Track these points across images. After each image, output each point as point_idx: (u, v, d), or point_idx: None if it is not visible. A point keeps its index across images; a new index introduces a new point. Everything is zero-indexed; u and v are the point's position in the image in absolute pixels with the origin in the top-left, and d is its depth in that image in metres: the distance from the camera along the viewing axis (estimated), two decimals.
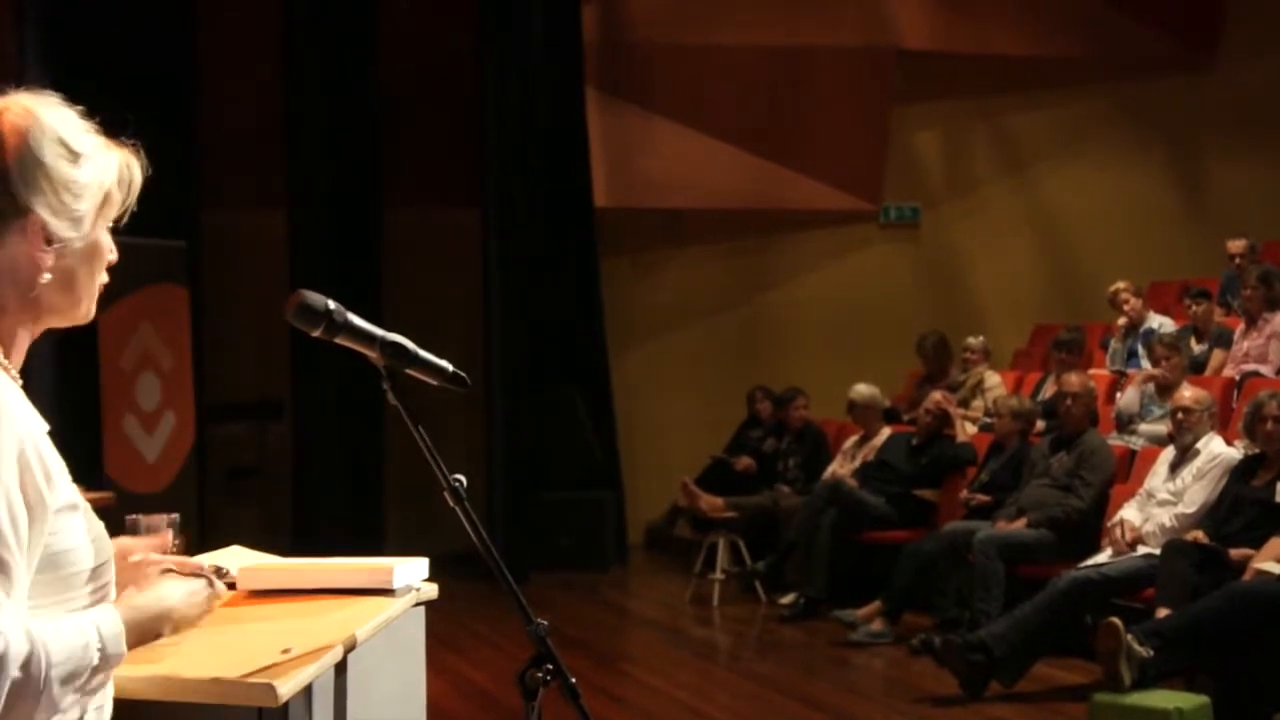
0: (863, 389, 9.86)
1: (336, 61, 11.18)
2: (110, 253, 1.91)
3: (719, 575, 9.59)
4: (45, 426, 1.83)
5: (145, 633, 1.92)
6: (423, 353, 2.17)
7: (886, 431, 9.84)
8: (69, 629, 1.77)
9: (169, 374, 9.83)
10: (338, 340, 2.11)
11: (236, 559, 2.56)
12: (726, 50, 12.28)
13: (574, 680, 2.17)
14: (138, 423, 9.44)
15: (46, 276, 1.82)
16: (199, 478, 10.25)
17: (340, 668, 2.21)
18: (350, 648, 2.20)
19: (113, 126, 1.93)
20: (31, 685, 1.69)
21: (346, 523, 10.40)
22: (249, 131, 11.33)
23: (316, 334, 2.08)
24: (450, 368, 2.22)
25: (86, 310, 1.90)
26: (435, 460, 2.17)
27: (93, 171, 1.84)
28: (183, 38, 10.91)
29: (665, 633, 9.07)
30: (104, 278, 1.91)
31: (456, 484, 2.19)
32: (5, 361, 1.81)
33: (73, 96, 1.92)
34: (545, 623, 2.18)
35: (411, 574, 2.51)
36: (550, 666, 2.19)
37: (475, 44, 11.54)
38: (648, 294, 12.53)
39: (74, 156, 1.82)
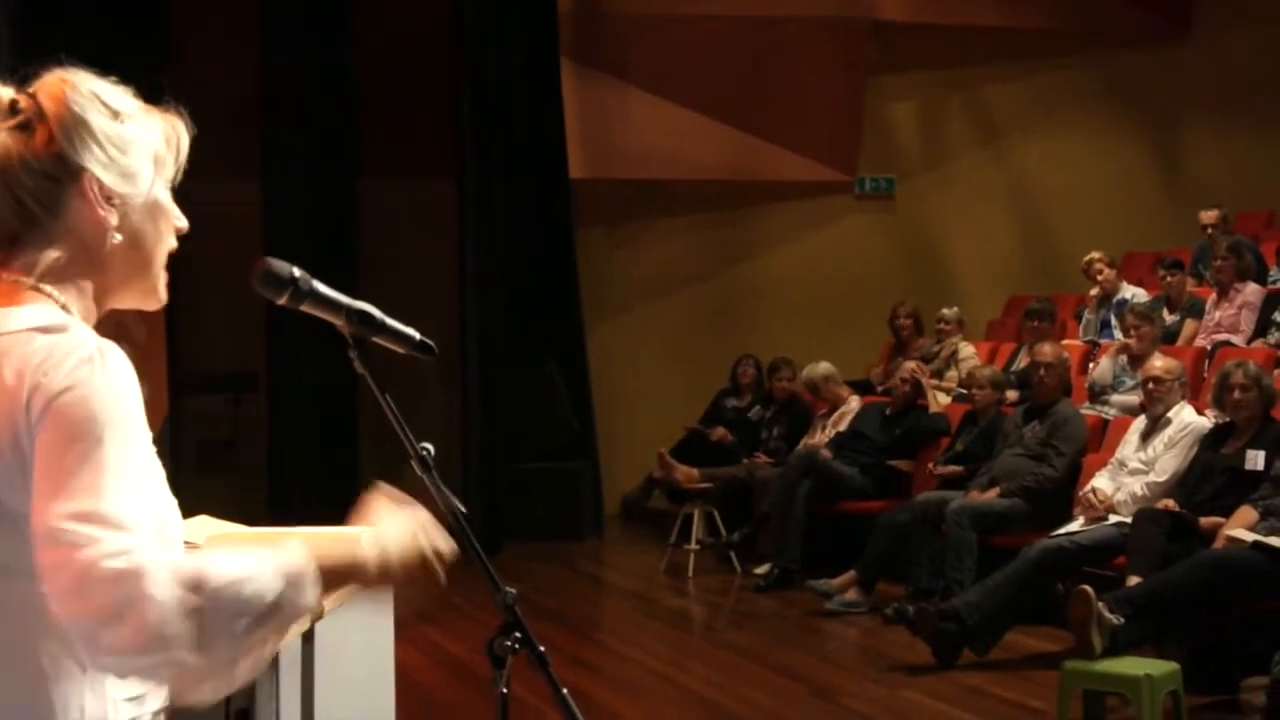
0: (817, 368, 9.94)
1: (311, 31, 11.12)
2: (178, 219, 1.93)
3: (694, 546, 9.62)
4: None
5: (359, 573, 1.85)
6: (390, 321, 2.16)
7: (856, 399, 9.89)
8: (239, 557, 1.70)
9: (141, 345, 9.79)
10: (303, 308, 2.10)
11: (203, 528, 2.56)
12: (702, 21, 12.24)
13: (543, 649, 2.17)
14: None
15: (116, 236, 1.83)
16: (173, 450, 10.23)
17: (308, 637, 2.21)
18: (318, 617, 2.20)
19: (149, 94, 1.95)
20: (182, 605, 1.61)
21: (322, 493, 10.38)
22: (223, 102, 11.23)
23: (282, 301, 2.07)
24: (418, 336, 2.21)
25: (157, 275, 1.91)
26: (402, 429, 2.17)
27: (137, 129, 1.86)
28: (156, 9, 10.83)
29: (640, 603, 9.09)
30: (173, 242, 1.93)
31: (424, 453, 2.18)
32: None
33: (40, 68, 1.90)
34: (513, 591, 2.18)
35: None
36: (519, 635, 2.19)
37: (451, 15, 11.48)
38: (624, 265, 12.52)
39: (115, 113, 1.84)
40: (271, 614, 1.70)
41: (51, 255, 1.81)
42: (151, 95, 1.95)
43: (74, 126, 1.80)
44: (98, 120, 1.82)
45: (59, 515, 1.61)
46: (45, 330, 1.73)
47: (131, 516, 1.64)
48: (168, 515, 1.80)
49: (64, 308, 1.81)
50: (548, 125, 11.71)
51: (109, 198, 1.82)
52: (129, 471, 1.68)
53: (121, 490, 1.65)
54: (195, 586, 1.63)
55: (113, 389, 1.70)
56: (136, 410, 1.75)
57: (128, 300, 1.93)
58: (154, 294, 1.94)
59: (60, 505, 1.62)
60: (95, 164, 1.81)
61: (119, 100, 1.86)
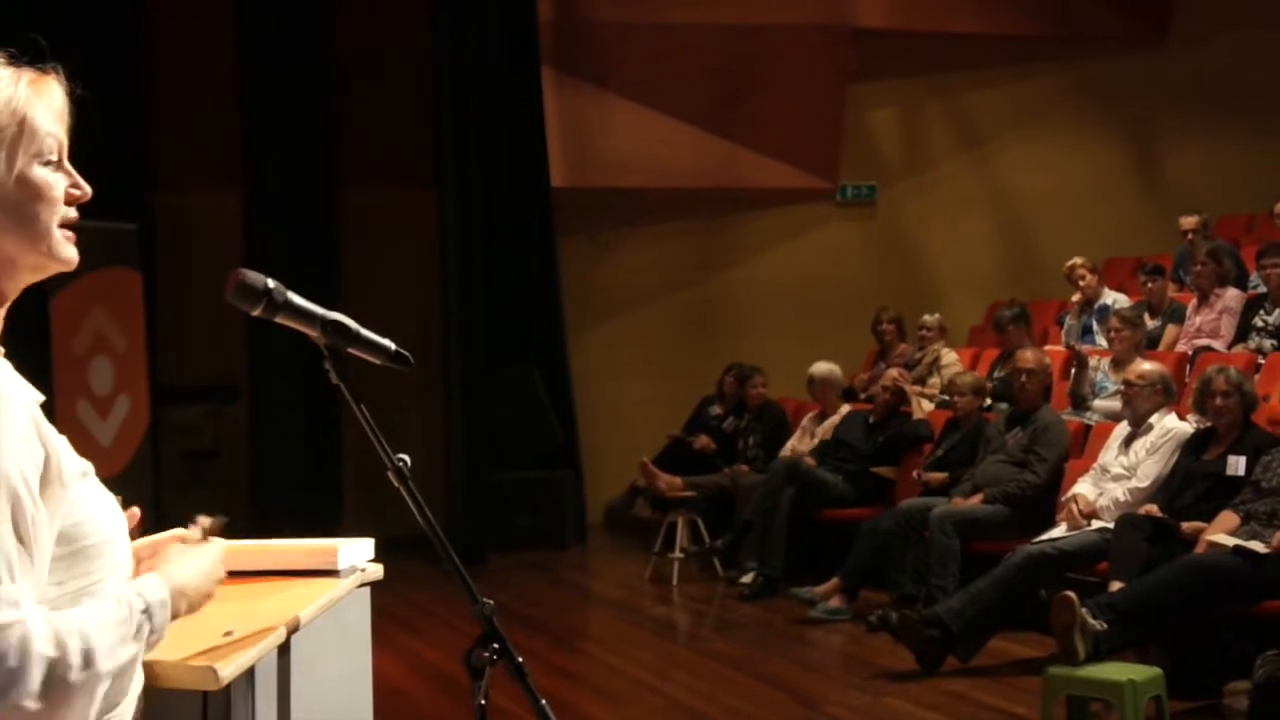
0: (822, 366, 9.92)
1: (291, 41, 11.09)
2: (75, 187, 1.82)
3: (678, 554, 9.60)
4: (40, 396, 1.78)
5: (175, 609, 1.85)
6: (365, 331, 2.15)
7: (845, 409, 9.89)
8: (102, 603, 1.71)
9: (122, 357, 9.75)
10: (278, 319, 2.09)
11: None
12: (683, 29, 12.25)
13: (521, 659, 2.16)
14: (91, 407, 9.36)
15: None
16: (154, 461, 10.18)
17: (284, 649, 2.20)
18: (293, 629, 2.19)
19: (28, 55, 1.84)
20: (71, 674, 1.62)
21: (303, 505, 10.36)
22: (203, 113, 11.23)
23: (256, 313, 2.06)
24: (393, 346, 2.20)
25: (49, 250, 1.79)
26: (379, 440, 2.16)
27: None
28: (135, 17, 10.80)
29: (624, 612, 9.08)
30: (70, 213, 1.81)
31: (400, 464, 2.18)
32: None
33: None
34: (490, 602, 2.17)
35: (357, 555, 2.50)
36: (497, 646, 2.18)
37: (431, 23, 11.46)
38: (605, 273, 12.51)
39: None
40: (136, 646, 1.73)
41: None
42: (29, 55, 1.84)
43: None
44: None
45: None
46: None
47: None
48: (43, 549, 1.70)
49: None
50: (529, 134, 11.70)
51: None
52: None
53: None
54: (67, 652, 1.62)
55: None
56: (13, 420, 1.66)
57: (32, 276, 1.83)
58: (53, 264, 1.82)
59: None
60: None
61: None
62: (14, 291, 1.82)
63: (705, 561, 9.64)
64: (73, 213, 1.83)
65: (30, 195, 1.78)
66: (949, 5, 12.84)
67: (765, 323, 12.52)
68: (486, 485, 10.89)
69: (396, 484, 2.16)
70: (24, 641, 1.59)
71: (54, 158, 1.81)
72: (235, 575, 2.43)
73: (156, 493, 10.01)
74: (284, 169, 11.03)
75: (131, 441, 9.70)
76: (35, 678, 1.59)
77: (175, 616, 1.84)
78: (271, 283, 2.06)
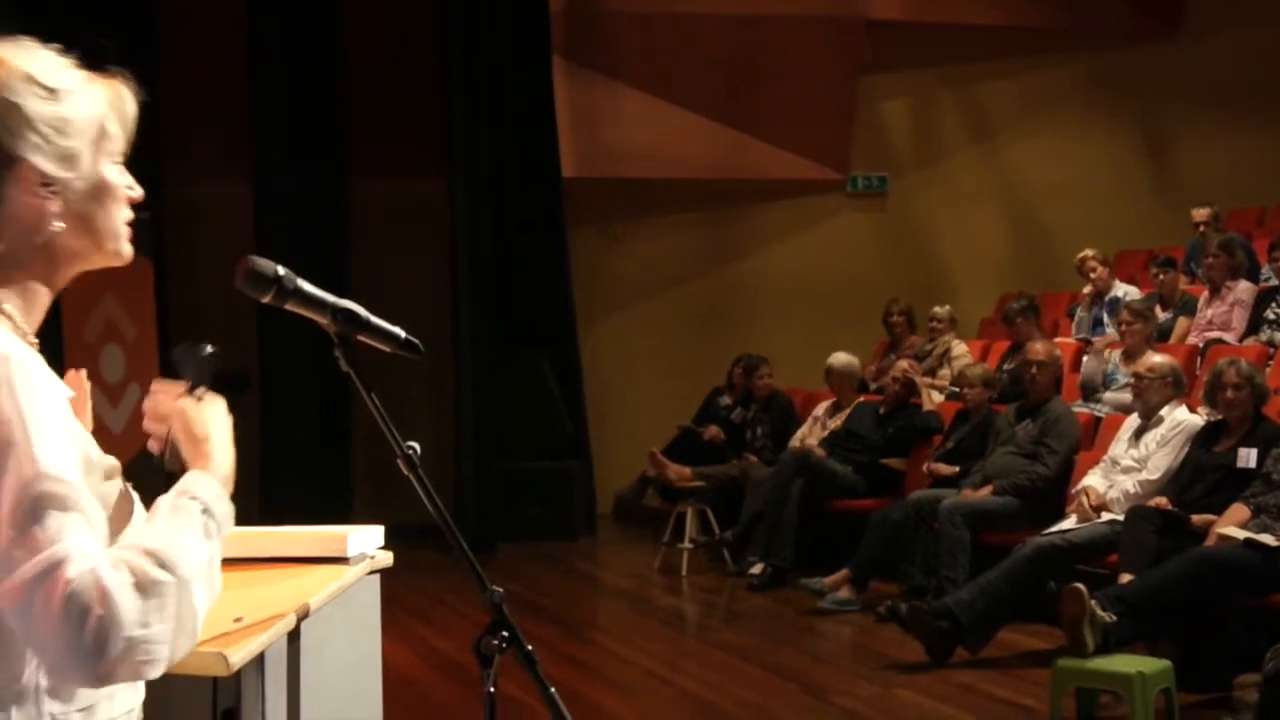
0: (841, 357, 9.89)
1: (302, 31, 11.10)
2: (130, 189, 1.87)
3: (687, 544, 9.61)
4: (69, 392, 1.80)
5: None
6: (375, 319, 2.15)
7: (861, 400, 9.88)
8: (164, 519, 1.73)
9: (133, 345, 9.78)
10: (288, 307, 2.09)
11: None
12: (694, 19, 12.24)
13: (530, 648, 2.16)
14: (102, 394, 9.39)
15: (57, 224, 1.78)
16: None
17: (294, 636, 2.21)
18: (303, 616, 2.20)
19: (94, 59, 1.88)
20: (159, 588, 1.63)
21: (314, 493, 10.36)
22: (214, 102, 11.24)
23: (266, 300, 2.06)
24: (403, 334, 2.19)
25: (115, 249, 1.86)
26: (389, 428, 2.16)
27: (77, 106, 1.79)
28: (147, 6, 10.81)
29: (634, 602, 9.09)
30: (128, 214, 1.87)
31: (410, 451, 2.17)
32: (24, 326, 1.77)
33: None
34: (500, 590, 2.16)
35: (366, 542, 2.50)
36: (506, 634, 2.18)
37: (442, 13, 11.46)
38: (616, 264, 12.51)
39: (51, 93, 1.77)
40: (209, 542, 1.74)
41: None
42: (96, 59, 1.88)
43: (6, 114, 1.74)
44: (32, 104, 1.75)
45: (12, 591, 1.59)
46: None
47: (64, 539, 1.61)
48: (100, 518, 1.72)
49: None
50: (539, 124, 11.70)
51: (48, 183, 1.77)
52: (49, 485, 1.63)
53: (44, 517, 1.61)
54: (138, 569, 1.63)
55: (14, 394, 1.65)
56: (42, 407, 1.67)
57: (88, 268, 1.88)
58: (114, 259, 1.88)
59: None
60: (31, 151, 1.75)
61: (57, 77, 1.79)
62: (65, 282, 1.87)
63: (714, 552, 9.65)
64: (129, 213, 1.88)
65: (105, 193, 1.83)
66: None
67: (775, 314, 12.51)
68: (496, 475, 10.90)
69: (406, 472, 2.16)
70: (99, 583, 1.60)
71: (119, 160, 1.86)
72: (245, 562, 2.44)
73: (168, 480, 10.02)
74: (294, 158, 11.04)
75: (142, 429, 9.72)
76: (128, 609, 1.60)
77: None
78: (281, 270, 2.06)
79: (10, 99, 1.74)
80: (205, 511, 1.77)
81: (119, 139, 1.85)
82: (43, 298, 1.83)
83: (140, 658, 1.61)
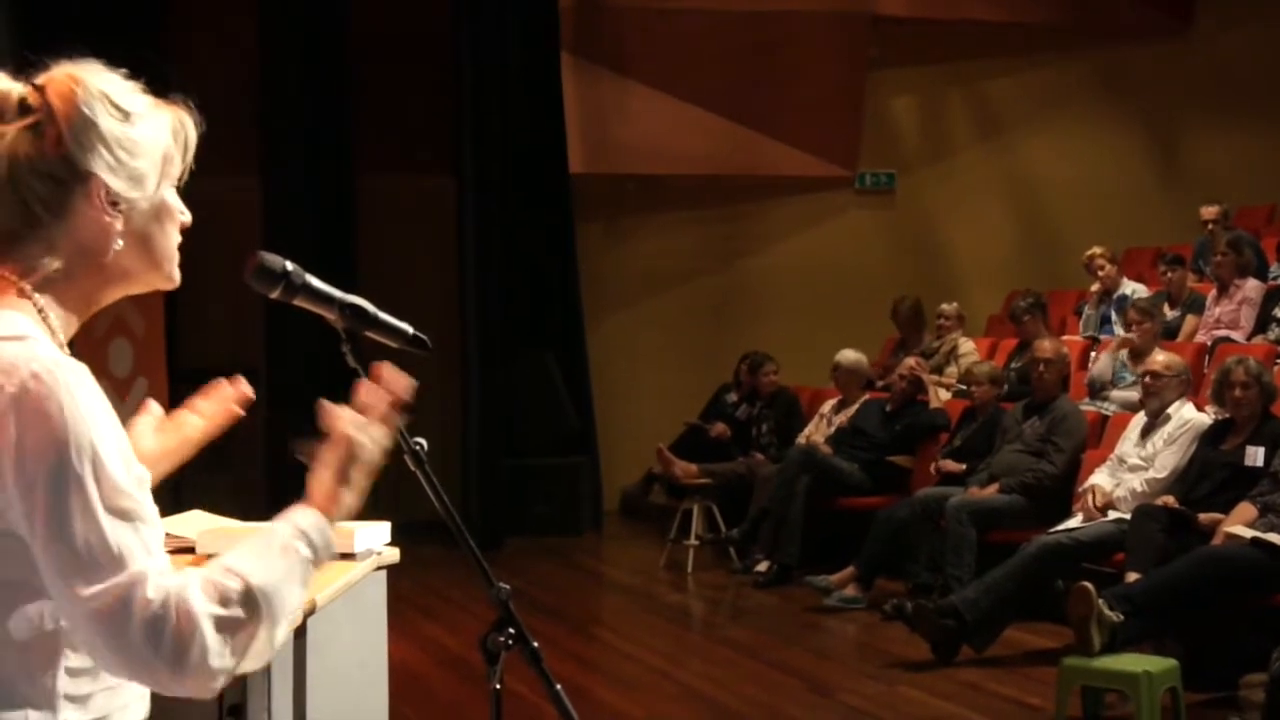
0: (850, 355, 9.88)
1: (311, 27, 11.09)
2: (182, 214, 1.90)
3: (693, 541, 9.61)
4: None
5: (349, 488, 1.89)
6: (383, 315, 2.15)
7: (867, 397, 9.88)
8: (274, 554, 1.75)
9: (141, 340, 9.79)
10: (296, 302, 2.09)
11: (195, 524, 2.55)
12: (702, 15, 12.23)
13: (536, 644, 2.16)
14: (110, 389, 9.36)
15: (119, 243, 1.80)
16: None
17: (300, 632, 2.21)
18: (310, 612, 2.19)
19: (157, 85, 1.91)
20: (242, 619, 1.67)
21: None
22: (223, 98, 11.22)
23: (275, 296, 2.06)
24: (411, 330, 2.20)
25: (169, 273, 1.88)
26: (397, 425, 2.16)
27: (146, 130, 1.82)
28: (156, 3, 10.82)
29: (639, 598, 9.09)
30: (178, 239, 1.90)
31: (417, 447, 2.17)
32: (61, 338, 1.78)
33: (38, 64, 1.87)
34: (507, 587, 2.17)
35: (373, 538, 2.50)
36: (512, 631, 2.18)
37: (450, 9, 11.46)
38: (623, 260, 12.51)
39: (124, 115, 1.80)
40: (307, 576, 1.77)
41: (51, 263, 1.78)
42: (159, 88, 1.92)
43: (83, 129, 1.76)
44: (107, 123, 1.78)
45: (77, 592, 1.62)
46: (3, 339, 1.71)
47: (133, 556, 1.64)
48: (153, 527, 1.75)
49: (40, 312, 1.77)
50: (547, 120, 11.70)
51: (115, 202, 1.79)
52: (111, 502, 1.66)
53: (116, 532, 1.64)
54: (236, 600, 1.67)
55: (66, 406, 1.66)
56: (100, 422, 1.69)
57: (136, 290, 1.91)
58: (164, 282, 1.91)
59: (74, 578, 1.62)
60: (103, 168, 1.77)
61: (128, 100, 1.82)
62: (110, 301, 1.89)
63: (720, 549, 9.64)
64: (180, 237, 1.92)
65: (165, 216, 1.87)
66: None
67: (782, 311, 12.50)
68: (503, 471, 10.90)
69: (414, 469, 2.16)
70: (183, 605, 1.63)
71: (177, 185, 1.90)
72: None
73: (172, 476, 10.03)
74: (303, 154, 11.04)
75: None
76: (209, 634, 1.64)
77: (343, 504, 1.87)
78: (290, 265, 2.06)
79: (89, 115, 1.77)
80: (312, 561, 1.80)
81: (180, 164, 1.89)
82: (83, 313, 1.85)
83: (211, 679, 1.65)
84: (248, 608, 1.68)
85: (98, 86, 1.79)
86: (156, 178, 1.83)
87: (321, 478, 1.89)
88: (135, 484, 1.69)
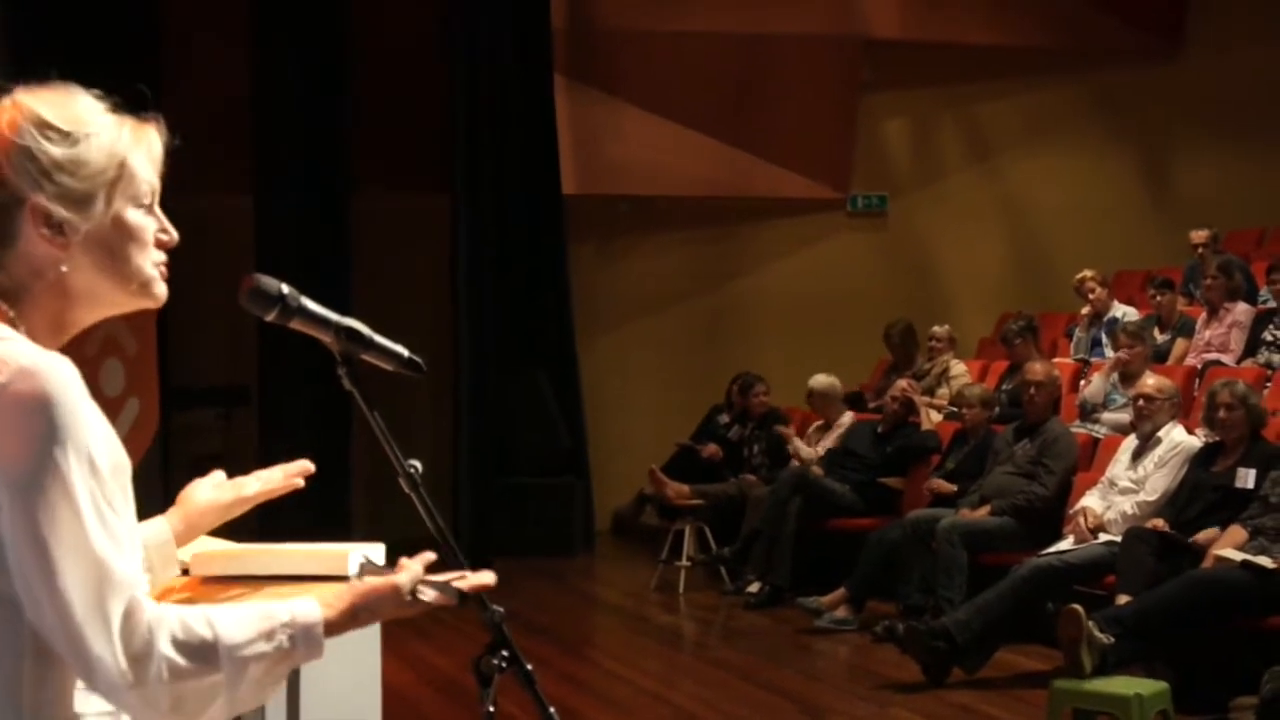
0: (820, 379, 9.97)
1: (305, 45, 11.12)
2: (163, 232, 1.89)
3: (685, 562, 9.61)
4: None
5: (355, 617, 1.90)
6: (378, 338, 2.16)
7: (849, 415, 9.91)
8: (246, 609, 1.77)
9: (133, 360, 9.76)
10: (292, 325, 2.10)
11: (189, 545, 2.56)
12: (695, 38, 12.27)
13: (530, 667, 2.17)
14: (102, 408, 9.37)
15: (63, 267, 1.80)
16: (163, 464, 10.20)
17: None
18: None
19: (130, 104, 1.91)
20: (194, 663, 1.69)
21: (313, 509, 10.26)
22: (217, 116, 11.26)
23: (270, 318, 2.07)
24: (406, 353, 2.20)
25: (139, 291, 1.87)
26: (390, 446, 2.16)
27: (94, 148, 1.81)
28: (148, 18, 10.84)
29: (631, 619, 9.08)
30: (158, 256, 1.89)
31: (411, 470, 2.18)
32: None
33: (30, 78, 1.89)
34: (500, 609, 2.17)
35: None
36: (506, 653, 2.18)
37: (444, 29, 11.50)
38: (615, 281, 12.53)
39: (64, 136, 1.79)
40: (277, 665, 1.78)
41: (5, 282, 1.79)
42: (133, 103, 1.91)
43: (16, 156, 1.77)
44: (42, 147, 1.77)
45: (62, 604, 1.64)
46: None
47: (121, 570, 1.67)
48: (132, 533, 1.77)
49: (11, 323, 1.78)
50: (540, 140, 11.73)
51: (57, 225, 1.79)
52: (100, 511, 1.68)
53: (97, 535, 1.67)
54: (191, 643, 1.69)
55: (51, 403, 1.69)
56: (87, 417, 1.72)
57: (114, 310, 1.90)
58: (142, 301, 1.90)
59: (50, 580, 1.64)
60: (39, 193, 1.77)
61: (75, 120, 1.81)
62: (88, 323, 1.89)
63: (712, 570, 9.64)
64: (161, 255, 1.90)
65: (124, 236, 1.85)
66: (961, 17, 12.84)
67: (774, 332, 12.52)
68: (494, 491, 10.90)
69: (408, 490, 2.16)
70: (150, 622, 1.67)
71: (147, 201, 1.88)
72: (244, 580, 2.44)
73: (166, 495, 10.01)
74: (297, 173, 11.06)
75: (141, 444, 9.71)
76: (165, 660, 1.67)
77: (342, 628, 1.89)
78: (286, 288, 2.07)
79: (19, 142, 1.78)
80: (290, 655, 1.80)
81: (144, 182, 1.87)
82: (59, 332, 1.85)
83: (158, 702, 1.67)
84: (202, 658, 1.70)
85: (34, 110, 1.79)
86: (106, 196, 1.82)
87: (348, 594, 1.91)
88: (114, 477, 1.71)
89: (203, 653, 1.69)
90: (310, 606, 1.83)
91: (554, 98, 11.82)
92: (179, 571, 2.26)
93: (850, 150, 12.89)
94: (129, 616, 1.65)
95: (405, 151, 11.78)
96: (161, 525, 2.25)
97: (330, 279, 10.30)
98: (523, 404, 11.29)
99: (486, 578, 2.02)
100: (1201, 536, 6.57)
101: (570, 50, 12.12)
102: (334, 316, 2.12)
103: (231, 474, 2.16)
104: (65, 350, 1.86)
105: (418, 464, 2.19)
